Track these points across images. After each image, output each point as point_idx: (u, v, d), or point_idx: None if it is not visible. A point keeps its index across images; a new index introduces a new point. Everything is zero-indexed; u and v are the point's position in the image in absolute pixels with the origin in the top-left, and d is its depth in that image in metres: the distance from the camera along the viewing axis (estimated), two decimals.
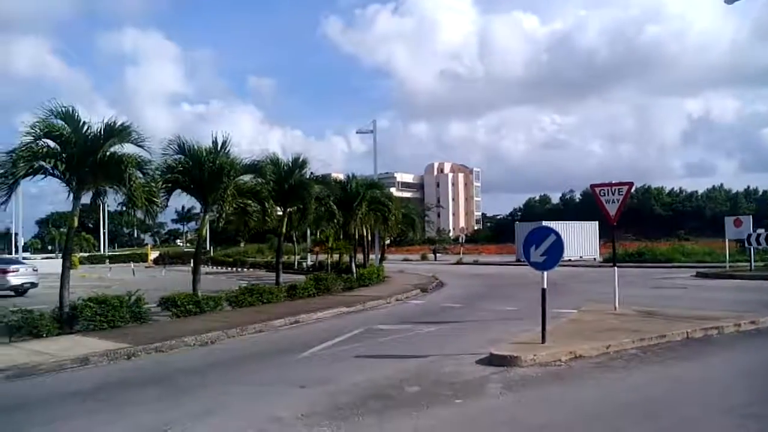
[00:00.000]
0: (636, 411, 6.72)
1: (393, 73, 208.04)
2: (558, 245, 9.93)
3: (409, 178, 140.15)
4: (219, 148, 17.27)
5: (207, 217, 18.45)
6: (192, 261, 18.37)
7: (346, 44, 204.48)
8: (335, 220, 24.34)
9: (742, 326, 12.08)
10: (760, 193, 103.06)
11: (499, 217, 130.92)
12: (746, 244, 27.97)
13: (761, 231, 28.78)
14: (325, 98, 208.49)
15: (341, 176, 30.03)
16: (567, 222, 45.81)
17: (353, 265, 25.90)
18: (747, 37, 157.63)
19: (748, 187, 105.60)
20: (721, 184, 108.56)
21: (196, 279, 16.85)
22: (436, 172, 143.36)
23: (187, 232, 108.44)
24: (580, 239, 44.61)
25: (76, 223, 14.38)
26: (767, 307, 14.80)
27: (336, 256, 31.68)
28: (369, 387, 7.95)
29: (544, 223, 41.84)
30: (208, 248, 59.43)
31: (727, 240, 30.43)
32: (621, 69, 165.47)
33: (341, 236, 29.68)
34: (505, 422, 6.46)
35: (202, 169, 16.85)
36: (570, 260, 41.88)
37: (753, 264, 27.54)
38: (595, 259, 43.44)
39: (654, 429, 6.09)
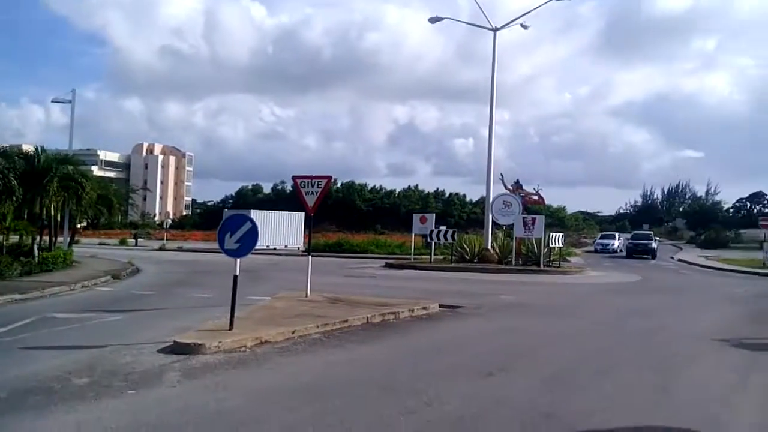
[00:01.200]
0: (311, 391, 7.02)
1: (107, 41, 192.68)
2: (253, 233, 10.01)
3: (114, 156, 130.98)
4: None
5: None
6: None
7: (55, 3, 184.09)
8: (14, 198, 21.67)
9: (415, 311, 13.43)
10: (447, 194, 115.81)
11: (210, 203, 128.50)
12: (429, 239, 31.24)
13: (443, 228, 32.37)
14: (24, 60, 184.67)
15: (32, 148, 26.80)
16: (274, 212, 47.02)
17: (35, 248, 23.32)
18: (451, 56, 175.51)
19: (438, 188, 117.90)
20: (416, 185, 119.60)
21: None
22: (145, 153, 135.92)
23: None
24: (286, 229, 46.00)
25: None
26: (437, 294, 16.64)
27: (17, 238, 28.19)
28: (31, 380, 7.17)
29: (253, 212, 42.26)
30: None
31: (413, 235, 33.72)
32: (341, 70, 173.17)
33: (25, 215, 26.51)
34: (177, 410, 6.28)
35: None
36: (275, 249, 42.87)
37: (433, 257, 30.87)
38: (299, 248, 44.96)
39: (324, 408, 6.39)
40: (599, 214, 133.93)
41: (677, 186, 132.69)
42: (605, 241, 54.61)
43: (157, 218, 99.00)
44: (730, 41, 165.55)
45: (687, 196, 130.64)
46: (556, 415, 6.28)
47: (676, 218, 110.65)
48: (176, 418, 6.03)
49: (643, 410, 6.67)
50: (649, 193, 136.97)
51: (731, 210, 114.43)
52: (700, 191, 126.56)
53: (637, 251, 44.58)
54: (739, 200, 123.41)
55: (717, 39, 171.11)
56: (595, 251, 51.88)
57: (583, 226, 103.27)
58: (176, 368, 7.95)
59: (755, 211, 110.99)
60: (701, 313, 15.56)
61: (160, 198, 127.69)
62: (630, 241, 47.52)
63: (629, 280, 25.63)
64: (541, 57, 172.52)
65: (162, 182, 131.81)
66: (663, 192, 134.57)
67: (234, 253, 10.10)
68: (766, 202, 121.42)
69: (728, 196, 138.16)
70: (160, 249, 44.41)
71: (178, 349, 8.84)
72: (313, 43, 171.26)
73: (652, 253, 44.28)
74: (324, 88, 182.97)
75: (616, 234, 61.48)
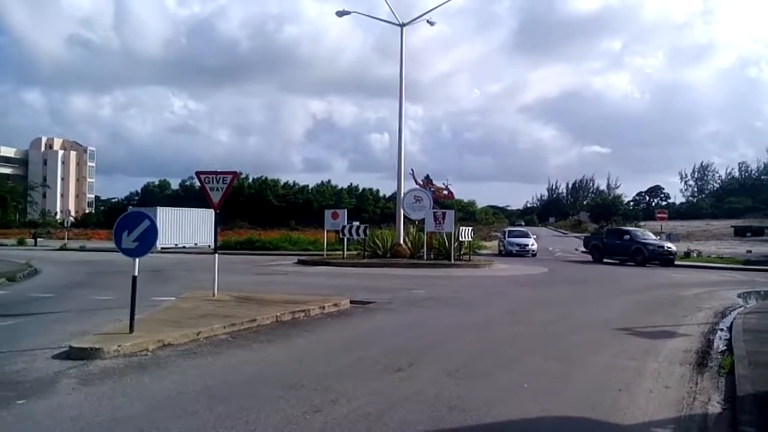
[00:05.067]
0: (215, 394, 6.81)
1: (7, 30, 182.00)
2: (151, 231, 9.63)
3: (10, 152, 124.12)
4: None
5: None
6: None
7: None
8: None
9: (326, 308, 13.32)
10: (360, 190, 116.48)
11: (114, 200, 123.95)
12: (341, 235, 31.18)
13: (355, 223, 32.35)
14: None
15: None
16: (182, 209, 45.76)
17: None
18: (369, 52, 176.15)
19: (351, 184, 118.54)
20: (329, 180, 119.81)
21: None
22: (44, 148, 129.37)
23: None
24: (196, 226, 44.89)
25: None
26: (349, 290, 16.63)
27: None
28: None
29: (159, 209, 41.15)
30: None
31: (326, 230, 33.57)
32: (258, 63, 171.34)
33: None
34: (71, 419, 5.94)
35: None
36: (185, 247, 41.82)
37: (345, 253, 30.82)
38: (209, 246, 43.89)
39: (228, 410, 6.20)
40: (508, 208, 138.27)
41: (581, 180, 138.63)
42: (522, 240, 40.34)
43: (58, 216, 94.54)
44: (633, 43, 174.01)
45: (590, 190, 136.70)
46: (461, 407, 6.35)
47: (580, 211, 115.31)
48: (69, 428, 5.71)
49: (547, 399, 6.84)
50: (554, 187, 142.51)
51: (631, 203, 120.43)
52: (603, 185, 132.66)
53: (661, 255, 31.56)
54: (639, 194, 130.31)
55: (622, 40, 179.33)
56: (507, 254, 38.38)
57: (493, 220, 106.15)
58: (72, 375, 7.55)
59: (653, 204, 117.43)
60: (603, 303, 16.20)
61: (61, 195, 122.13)
62: (651, 243, 32.79)
63: (537, 272, 26.45)
64: (458, 54, 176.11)
65: (63, 179, 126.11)
66: (568, 186, 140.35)
67: (132, 253, 9.69)
68: (663, 195, 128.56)
69: (629, 190, 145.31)
70: (61, 249, 42.49)
71: (74, 354, 8.40)
72: (228, 35, 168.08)
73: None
74: (240, 82, 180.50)
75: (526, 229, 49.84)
